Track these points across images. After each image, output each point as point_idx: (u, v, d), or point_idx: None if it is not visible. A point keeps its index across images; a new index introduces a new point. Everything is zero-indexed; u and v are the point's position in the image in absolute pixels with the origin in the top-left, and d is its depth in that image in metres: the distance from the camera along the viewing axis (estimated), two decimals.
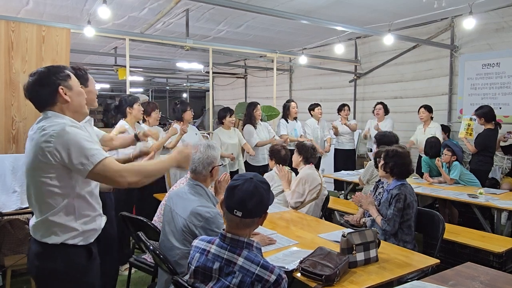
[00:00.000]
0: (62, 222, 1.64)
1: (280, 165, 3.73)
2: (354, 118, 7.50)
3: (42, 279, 1.70)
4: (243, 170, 5.05)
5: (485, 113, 4.66)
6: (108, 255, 2.72)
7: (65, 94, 1.70)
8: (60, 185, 1.61)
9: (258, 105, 5.32)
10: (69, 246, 1.66)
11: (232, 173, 4.72)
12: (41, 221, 1.64)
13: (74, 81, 1.77)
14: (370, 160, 4.73)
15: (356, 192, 3.08)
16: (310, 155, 3.65)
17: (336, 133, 6.26)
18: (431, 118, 5.42)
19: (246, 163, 5.25)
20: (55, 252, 1.64)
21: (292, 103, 5.85)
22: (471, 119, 4.83)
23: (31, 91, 1.70)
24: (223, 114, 4.90)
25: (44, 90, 1.68)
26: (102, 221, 1.83)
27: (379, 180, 3.37)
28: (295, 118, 5.86)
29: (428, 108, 5.37)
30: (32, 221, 1.70)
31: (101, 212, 1.83)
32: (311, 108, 6.09)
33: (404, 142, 5.82)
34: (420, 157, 5.44)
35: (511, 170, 5.27)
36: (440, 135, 5.18)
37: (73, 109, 1.74)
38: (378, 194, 3.26)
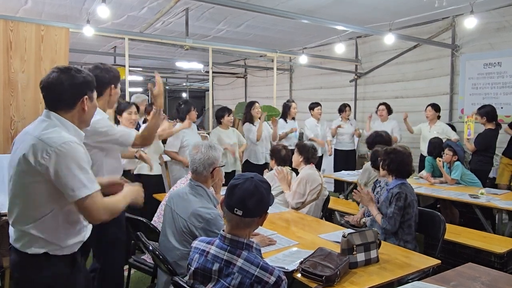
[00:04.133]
0: (44, 237, 1.55)
1: (280, 166, 3.72)
2: (355, 118, 7.47)
3: None
4: (240, 171, 5.01)
5: (487, 112, 4.66)
6: (109, 255, 2.69)
7: (86, 104, 1.66)
8: (49, 192, 1.52)
9: (256, 103, 5.31)
10: (52, 256, 1.58)
11: (228, 174, 4.65)
12: (22, 231, 1.56)
13: (95, 93, 1.73)
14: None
15: (358, 188, 3.05)
16: (311, 155, 3.63)
17: (333, 134, 6.23)
18: (438, 117, 5.43)
19: (247, 161, 5.22)
20: (36, 262, 1.56)
21: (293, 103, 5.88)
22: (470, 119, 4.83)
23: (54, 87, 1.60)
24: (221, 113, 4.86)
25: (69, 92, 1.61)
26: (87, 231, 1.76)
27: (377, 180, 3.40)
28: (293, 118, 5.88)
29: (435, 107, 5.40)
30: (11, 230, 1.61)
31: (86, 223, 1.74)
32: (311, 107, 6.09)
33: (404, 142, 5.81)
34: (421, 156, 5.43)
35: None
36: (451, 135, 5.25)
37: (84, 119, 1.70)
38: (376, 194, 3.26)
